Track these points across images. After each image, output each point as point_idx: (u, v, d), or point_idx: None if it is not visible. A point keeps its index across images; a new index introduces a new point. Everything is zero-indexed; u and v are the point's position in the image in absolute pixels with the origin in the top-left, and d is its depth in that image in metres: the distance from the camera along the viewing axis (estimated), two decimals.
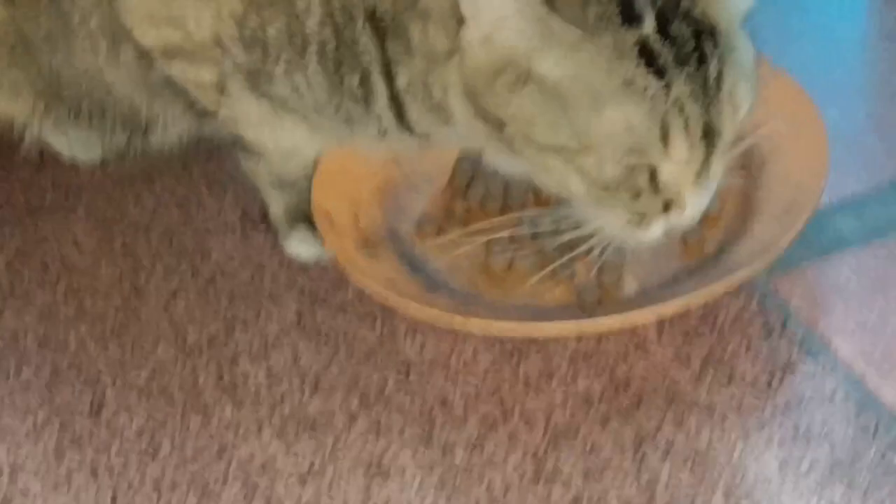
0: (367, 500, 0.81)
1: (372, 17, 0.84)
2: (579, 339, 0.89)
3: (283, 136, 0.94)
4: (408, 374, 0.88)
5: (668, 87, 0.77)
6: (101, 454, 0.86)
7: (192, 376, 0.90)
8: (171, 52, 0.91)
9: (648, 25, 0.77)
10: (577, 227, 0.86)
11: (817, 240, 0.93)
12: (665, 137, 0.78)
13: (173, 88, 0.94)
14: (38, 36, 0.97)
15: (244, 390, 0.89)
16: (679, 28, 0.77)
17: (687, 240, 0.92)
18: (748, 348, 0.87)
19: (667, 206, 0.82)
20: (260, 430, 0.86)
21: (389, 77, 0.86)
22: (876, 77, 1.07)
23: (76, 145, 1.07)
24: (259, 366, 0.90)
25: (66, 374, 0.91)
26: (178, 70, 0.92)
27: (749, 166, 0.95)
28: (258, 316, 0.93)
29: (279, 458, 0.84)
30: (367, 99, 0.88)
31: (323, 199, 0.94)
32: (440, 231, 0.95)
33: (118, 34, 0.93)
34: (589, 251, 0.89)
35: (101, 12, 0.93)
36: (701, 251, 0.92)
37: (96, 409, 0.89)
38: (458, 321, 0.86)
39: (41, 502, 0.84)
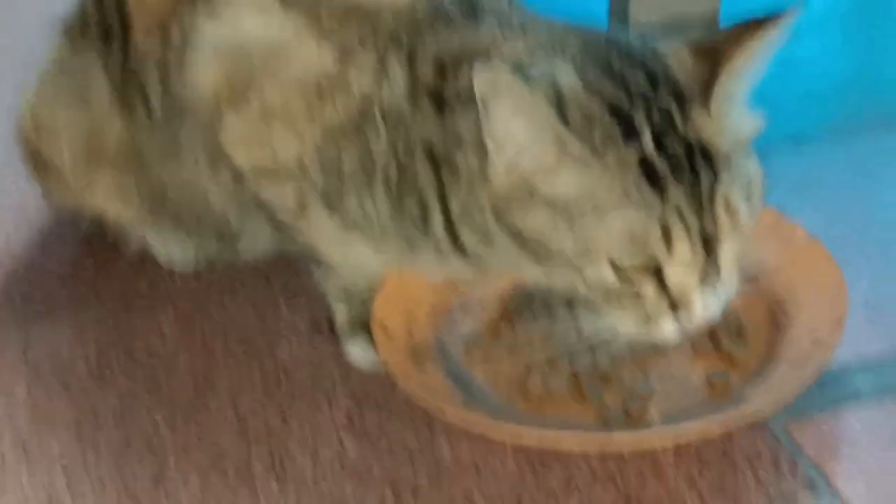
0: None
1: (429, 149, 0.96)
2: (602, 458, 0.96)
3: (351, 254, 1.05)
4: (440, 473, 0.96)
5: (665, 195, 0.87)
6: None
7: (247, 460, 0.99)
8: (259, 172, 1.02)
9: (646, 141, 0.88)
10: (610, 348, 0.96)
11: (834, 391, 1.00)
12: (668, 239, 0.88)
13: (260, 204, 1.05)
14: (150, 148, 1.10)
15: (291, 473, 0.97)
16: (673, 145, 0.88)
17: (713, 381, 1.00)
18: (757, 481, 0.94)
19: (675, 308, 0.91)
20: None
21: (445, 203, 0.97)
22: None
23: (173, 251, 1.18)
24: (307, 455, 0.99)
25: (136, 447, 1.01)
26: (265, 188, 1.03)
27: (777, 322, 1.03)
28: (313, 413, 1.02)
29: None
30: (425, 223, 0.98)
31: (382, 313, 1.04)
32: (487, 351, 1.04)
33: (217, 153, 1.05)
34: (619, 378, 0.99)
35: (204, 134, 1.05)
36: (725, 392, 1.00)
37: (157, 480, 0.98)
38: (489, 428, 0.95)
39: None
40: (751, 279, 0.96)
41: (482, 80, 0.87)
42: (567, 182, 0.88)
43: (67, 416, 1.04)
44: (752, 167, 0.91)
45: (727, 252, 0.90)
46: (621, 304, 0.91)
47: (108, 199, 1.14)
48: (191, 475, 0.98)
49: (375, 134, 0.96)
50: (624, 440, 0.95)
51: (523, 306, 1.07)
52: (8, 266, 1.21)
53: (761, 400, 0.95)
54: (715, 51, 0.90)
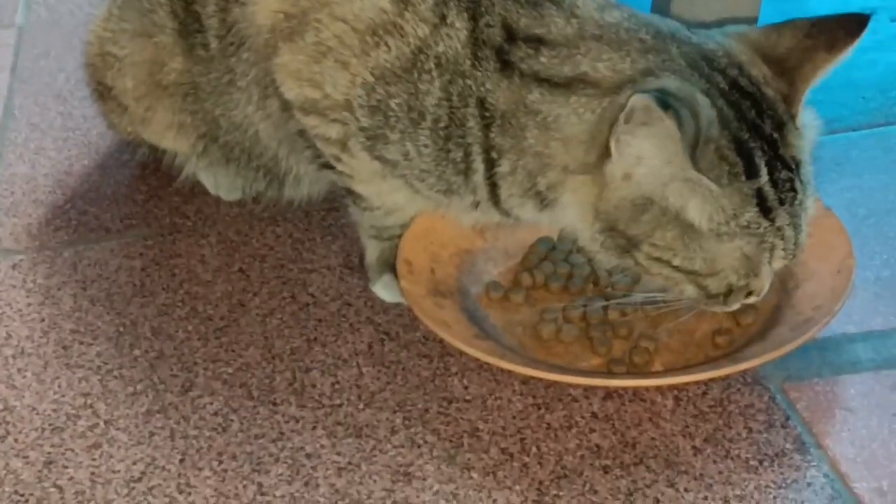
0: (388, 497, 0.95)
1: (482, 105, 1.00)
2: (603, 400, 1.01)
3: (387, 195, 1.10)
4: (449, 405, 1.02)
5: (773, 222, 0.95)
6: (181, 424, 1.01)
7: (270, 378, 1.05)
8: (307, 108, 1.08)
9: (763, 176, 0.94)
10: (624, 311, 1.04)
11: (834, 358, 1.04)
12: (771, 257, 0.97)
13: (305, 140, 1.11)
14: (207, 87, 1.16)
15: (310, 395, 1.03)
16: (780, 172, 0.95)
17: (717, 340, 1.04)
18: (749, 434, 0.98)
19: (748, 295, 1.00)
20: (315, 427, 1.01)
21: (489, 159, 1.01)
22: None
23: (222, 186, 1.25)
24: (327, 378, 1.05)
25: (169, 358, 1.08)
26: (311, 124, 1.08)
27: (787, 286, 1.07)
28: (336, 340, 1.09)
29: (324, 451, 0.99)
30: (466, 173, 1.03)
31: (408, 251, 1.09)
32: (505, 296, 1.09)
33: (268, 88, 1.11)
34: (629, 332, 1.04)
35: (258, 69, 1.11)
36: (727, 349, 1.04)
37: (186, 389, 1.05)
38: (496, 360, 1.00)
39: (124, 452, 0.99)
40: None
41: (640, 104, 0.90)
42: (698, 209, 0.94)
43: (108, 327, 1.11)
44: (812, 170, 0.99)
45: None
46: (706, 290, 0.99)
47: (165, 131, 1.20)
48: (217, 388, 1.05)
49: (428, 79, 1.00)
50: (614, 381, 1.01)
51: (546, 258, 1.12)
52: (68, 186, 1.29)
53: (752, 356, 1.00)
54: (789, 65, 0.97)
